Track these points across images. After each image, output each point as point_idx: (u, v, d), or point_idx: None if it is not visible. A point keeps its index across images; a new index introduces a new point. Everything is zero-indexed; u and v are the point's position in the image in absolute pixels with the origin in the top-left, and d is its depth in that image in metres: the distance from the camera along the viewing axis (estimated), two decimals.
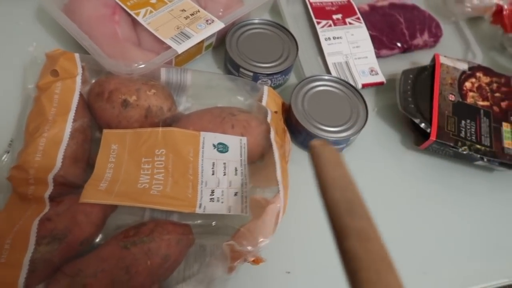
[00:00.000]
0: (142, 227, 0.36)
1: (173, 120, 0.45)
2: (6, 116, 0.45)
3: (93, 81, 0.48)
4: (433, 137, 0.50)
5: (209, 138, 0.41)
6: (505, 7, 0.65)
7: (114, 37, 0.49)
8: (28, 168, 0.37)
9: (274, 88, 0.56)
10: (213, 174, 0.39)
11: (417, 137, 0.54)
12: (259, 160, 0.46)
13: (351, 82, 0.56)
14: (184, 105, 0.50)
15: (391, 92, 0.57)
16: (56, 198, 0.37)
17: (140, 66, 0.45)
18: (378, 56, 0.61)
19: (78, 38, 0.48)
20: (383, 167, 0.53)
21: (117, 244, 0.34)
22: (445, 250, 0.48)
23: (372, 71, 0.59)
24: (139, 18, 0.51)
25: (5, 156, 0.41)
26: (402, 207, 0.50)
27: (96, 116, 0.44)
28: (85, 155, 0.41)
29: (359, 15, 0.63)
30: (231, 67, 0.54)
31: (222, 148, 0.41)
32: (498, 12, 0.66)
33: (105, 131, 0.42)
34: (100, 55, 0.46)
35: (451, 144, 0.50)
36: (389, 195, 0.51)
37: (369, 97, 0.59)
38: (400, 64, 0.62)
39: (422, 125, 0.51)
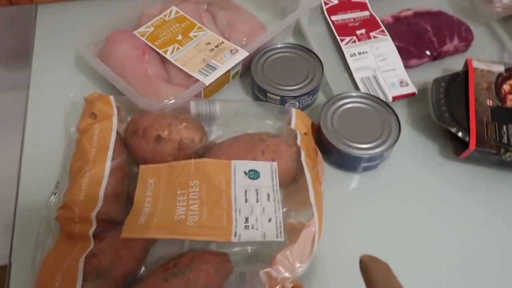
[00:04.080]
0: (181, 259, 0.37)
1: (205, 150, 0.47)
2: (52, 159, 0.48)
3: (129, 118, 0.50)
4: (472, 146, 0.48)
5: (240, 166, 0.42)
6: None
7: (145, 76, 0.52)
8: (73, 207, 0.40)
9: (303, 109, 0.56)
10: (246, 202, 0.40)
11: (456, 146, 0.52)
12: (292, 183, 0.46)
13: (381, 96, 0.56)
14: (216, 133, 0.51)
15: (424, 102, 0.56)
16: (99, 234, 0.39)
17: (170, 102, 0.47)
18: (407, 66, 0.60)
19: (112, 81, 0.51)
20: (421, 180, 0.51)
21: (158, 276, 0.36)
22: (494, 265, 0.45)
23: (401, 82, 0.58)
24: (167, 56, 0.54)
25: (52, 197, 0.44)
26: (446, 220, 0.48)
27: (133, 152, 0.47)
28: (124, 191, 0.43)
29: (383, 27, 0.63)
30: (258, 93, 0.55)
31: (253, 174, 0.42)
32: None
33: (141, 166, 0.44)
34: (133, 95, 0.49)
35: (493, 152, 0.48)
36: (430, 209, 0.49)
37: (402, 109, 0.57)
38: (432, 72, 0.61)
39: (460, 134, 0.50)
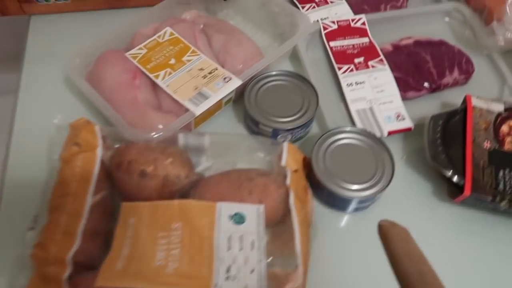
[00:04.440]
0: None
1: (192, 185, 0.45)
2: (32, 189, 0.46)
3: (116, 146, 0.49)
4: (467, 192, 0.47)
5: (226, 209, 0.41)
6: None
7: (134, 102, 0.51)
8: (49, 246, 0.38)
9: (296, 140, 0.55)
10: (228, 250, 0.38)
11: (451, 188, 0.51)
12: (280, 223, 0.45)
13: (376, 130, 0.54)
14: (204, 164, 0.50)
15: (420, 137, 0.54)
16: (74, 277, 0.37)
17: (158, 135, 0.46)
18: (404, 98, 0.59)
19: (99, 107, 0.49)
20: (413, 222, 0.48)
21: None
22: None
23: (398, 116, 0.56)
24: (159, 81, 0.52)
25: (30, 232, 0.42)
26: (437, 264, 0.47)
27: (116, 185, 0.45)
28: (104, 228, 0.42)
29: (382, 56, 0.61)
30: (250, 123, 0.54)
31: (238, 219, 0.40)
32: None
33: (123, 204, 0.42)
34: (120, 124, 0.47)
35: (489, 199, 0.47)
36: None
37: (397, 143, 0.56)
38: (429, 105, 0.60)
39: (455, 178, 0.48)
